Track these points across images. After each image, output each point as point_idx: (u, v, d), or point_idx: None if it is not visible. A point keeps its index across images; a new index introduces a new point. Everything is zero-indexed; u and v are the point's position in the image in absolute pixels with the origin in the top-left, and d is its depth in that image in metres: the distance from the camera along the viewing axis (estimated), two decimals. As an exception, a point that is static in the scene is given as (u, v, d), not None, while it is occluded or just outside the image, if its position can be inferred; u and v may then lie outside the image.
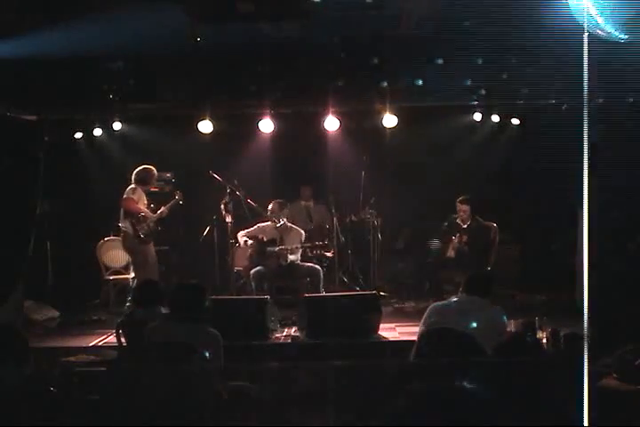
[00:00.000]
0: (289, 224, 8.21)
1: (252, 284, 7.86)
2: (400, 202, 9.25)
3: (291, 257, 8.01)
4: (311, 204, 9.52)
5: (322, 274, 7.99)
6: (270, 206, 8.18)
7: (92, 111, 8.13)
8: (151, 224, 7.80)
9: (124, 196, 7.72)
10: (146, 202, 7.87)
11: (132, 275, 7.94)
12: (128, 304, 7.61)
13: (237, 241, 8.23)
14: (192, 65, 6.84)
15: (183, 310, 4.55)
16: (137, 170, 7.85)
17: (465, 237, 8.17)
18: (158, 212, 7.91)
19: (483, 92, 7.01)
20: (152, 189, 8.13)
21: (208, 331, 4.47)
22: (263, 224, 8.25)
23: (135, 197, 7.71)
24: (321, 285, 7.93)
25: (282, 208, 8.17)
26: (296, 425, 3.69)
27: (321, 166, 9.36)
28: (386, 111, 8.25)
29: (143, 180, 7.83)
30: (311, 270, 8.00)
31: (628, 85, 6.35)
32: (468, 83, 6.80)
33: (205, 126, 8.25)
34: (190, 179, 8.95)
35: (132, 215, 7.69)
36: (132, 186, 7.77)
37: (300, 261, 8.18)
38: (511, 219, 8.83)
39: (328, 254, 8.57)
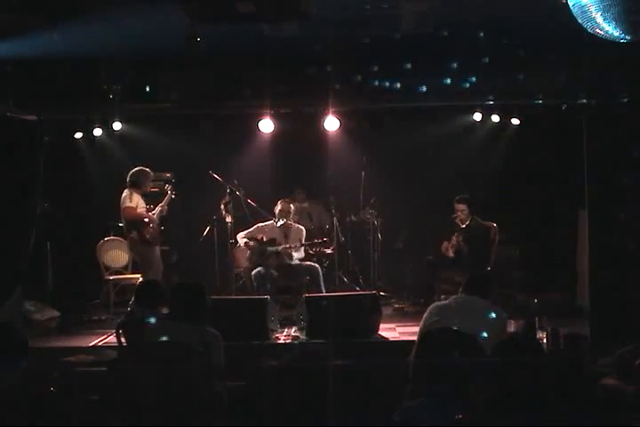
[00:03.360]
0: (289, 222, 8.20)
1: (254, 284, 7.86)
2: (400, 202, 9.25)
3: (295, 255, 8.00)
4: (306, 204, 9.51)
5: (321, 272, 7.98)
6: (278, 206, 8.16)
7: (92, 111, 8.12)
8: (155, 226, 7.77)
9: (123, 206, 7.63)
10: (144, 205, 7.80)
11: (141, 278, 7.92)
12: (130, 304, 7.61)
13: (237, 242, 8.23)
14: (192, 65, 6.84)
15: (183, 310, 4.55)
16: (131, 172, 7.77)
17: (464, 237, 8.16)
18: (158, 210, 7.88)
19: (483, 91, 7.00)
20: (152, 190, 8.11)
21: (208, 331, 4.47)
22: (262, 224, 8.25)
23: (133, 204, 7.63)
24: (321, 282, 7.92)
25: (290, 207, 8.17)
26: (296, 425, 3.69)
27: (321, 166, 9.36)
28: (386, 111, 8.24)
29: (137, 183, 7.73)
30: (310, 269, 7.99)
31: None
32: (469, 82, 6.79)
33: (205, 126, 8.26)
34: (190, 179, 8.94)
35: (137, 223, 7.64)
36: (127, 191, 7.67)
37: (300, 260, 8.17)
38: (511, 219, 8.82)
39: (328, 251, 8.53)
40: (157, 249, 7.88)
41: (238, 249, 8.31)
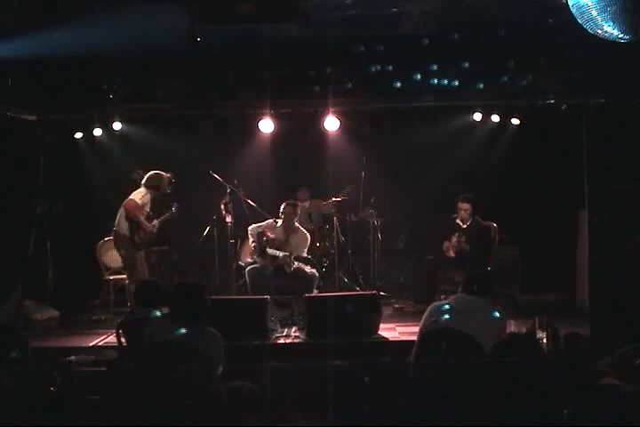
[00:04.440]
0: (296, 225, 8.10)
1: (248, 280, 7.81)
2: (400, 202, 9.25)
3: (294, 264, 7.83)
4: (308, 204, 9.49)
5: (317, 281, 7.85)
6: (283, 209, 8.00)
7: (92, 111, 8.12)
8: (148, 233, 7.66)
9: (131, 197, 7.54)
10: (149, 208, 7.73)
11: (127, 279, 7.87)
12: (129, 304, 7.59)
13: (245, 236, 8.15)
14: (192, 65, 6.84)
15: (183, 310, 4.55)
16: (149, 175, 7.66)
17: (465, 237, 8.17)
18: (156, 222, 7.77)
19: (483, 91, 6.99)
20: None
21: (208, 331, 4.47)
22: (272, 220, 8.14)
23: (140, 203, 7.55)
24: (313, 291, 7.76)
25: (294, 210, 8.06)
26: (296, 425, 3.69)
27: (321, 166, 9.36)
28: (385, 111, 8.24)
29: (156, 185, 7.64)
30: (305, 277, 7.82)
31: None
32: (469, 82, 6.79)
33: (205, 126, 8.23)
34: (190, 179, 8.94)
35: (132, 220, 7.58)
36: (142, 190, 7.59)
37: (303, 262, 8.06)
38: (511, 219, 8.83)
39: (307, 270, 7.95)
40: (141, 254, 7.77)
41: (247, 242, 8.23)
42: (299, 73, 6.88)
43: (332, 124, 8.10)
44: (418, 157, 9.37)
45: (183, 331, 4.43)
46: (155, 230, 7.76)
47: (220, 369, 4.37)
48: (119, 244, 7.69)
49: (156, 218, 7.81)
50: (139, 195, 7.57)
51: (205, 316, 4.61)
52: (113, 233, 7.75)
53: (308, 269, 7.90)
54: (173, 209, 7.93)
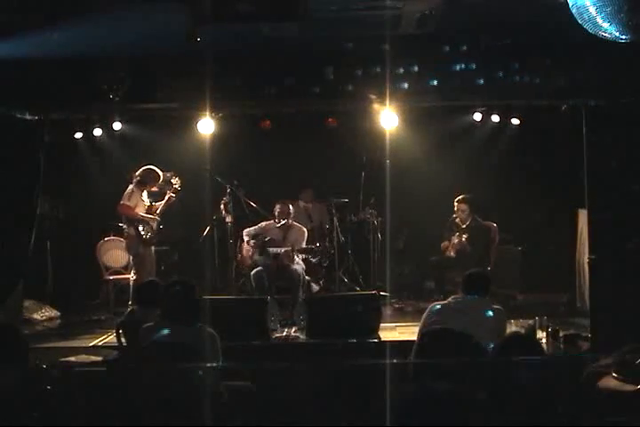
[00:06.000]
0: (290, 222, 8.15)
1: (253, 283, 7.83)
2: (400, 202, 9.23)
3: (297, 258, 7.89)
4: (310, 205, 9.50)
5: (302, 275, 7.81)
6: (277, 207, 8.12)
7: (92, 111, 8.12)
8: (153, 226, 7.78)
9: (120, 202, 7.73)
10: (146, 203, 7.81)
11: (134, 276, 7.92)
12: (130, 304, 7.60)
13: (242, 238, 8.19)
14: (192, 65, 6.84)
15: (175, 310, 4.55)
16: (139, 170, 7.84)
17: (465, 237, 8.17)
18: (157, 212, 7.86)
19: (483, 91, 6.99)
20: (152, 189, 8.11)
21: (204, 331, 4.47)
22: (266, 223, 8.21)
23: (131, 203, 7.69)
24: (300, 291, 7.73)
25: (288, 209, 8.12)
26: (296, 425, 3.69)
27: (321, 166, 9.35)
28: (386, 111, 8.24)
29: (143, 181, 7.81)
30: (291, 272, 7.81)
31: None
32: (469, 82, 6.79)
33: (205, 126, 8.22)
34: (190, 179, 8.94)
35: (133, 220, 7.68)
36: (130, 189, 7.74)
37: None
38: (511, 219, 8.82)
39: (313, 260, 8.17)
40: (152, 249, 7.88)
41: (244, 246, 8.26)
42: (298, 73, 6.88)
43: (332, 123, 8.10)
44: (418, 157, 9.36)
45: (180, 331, 4.43)
46: (173, 201, 7.88)
47: (219, 369, 4.37)
48: (130, 244, 7.87)
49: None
50: (126, 196, 7.73)
51: (199, 315, 4.61)
52: (125, 236, 7.91)
53: (292, 265, 7.87)
54: (171, 194, 7.92)
